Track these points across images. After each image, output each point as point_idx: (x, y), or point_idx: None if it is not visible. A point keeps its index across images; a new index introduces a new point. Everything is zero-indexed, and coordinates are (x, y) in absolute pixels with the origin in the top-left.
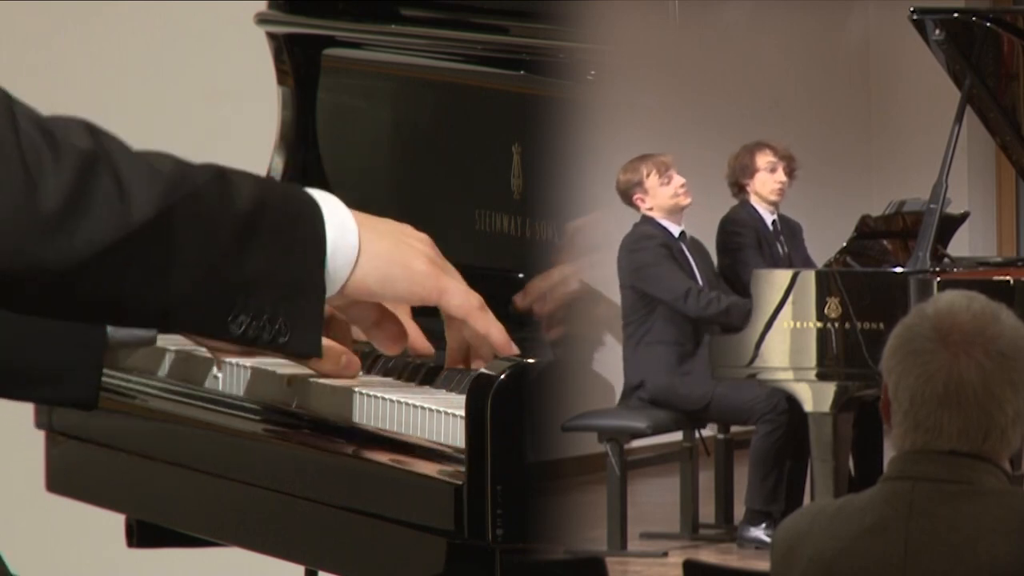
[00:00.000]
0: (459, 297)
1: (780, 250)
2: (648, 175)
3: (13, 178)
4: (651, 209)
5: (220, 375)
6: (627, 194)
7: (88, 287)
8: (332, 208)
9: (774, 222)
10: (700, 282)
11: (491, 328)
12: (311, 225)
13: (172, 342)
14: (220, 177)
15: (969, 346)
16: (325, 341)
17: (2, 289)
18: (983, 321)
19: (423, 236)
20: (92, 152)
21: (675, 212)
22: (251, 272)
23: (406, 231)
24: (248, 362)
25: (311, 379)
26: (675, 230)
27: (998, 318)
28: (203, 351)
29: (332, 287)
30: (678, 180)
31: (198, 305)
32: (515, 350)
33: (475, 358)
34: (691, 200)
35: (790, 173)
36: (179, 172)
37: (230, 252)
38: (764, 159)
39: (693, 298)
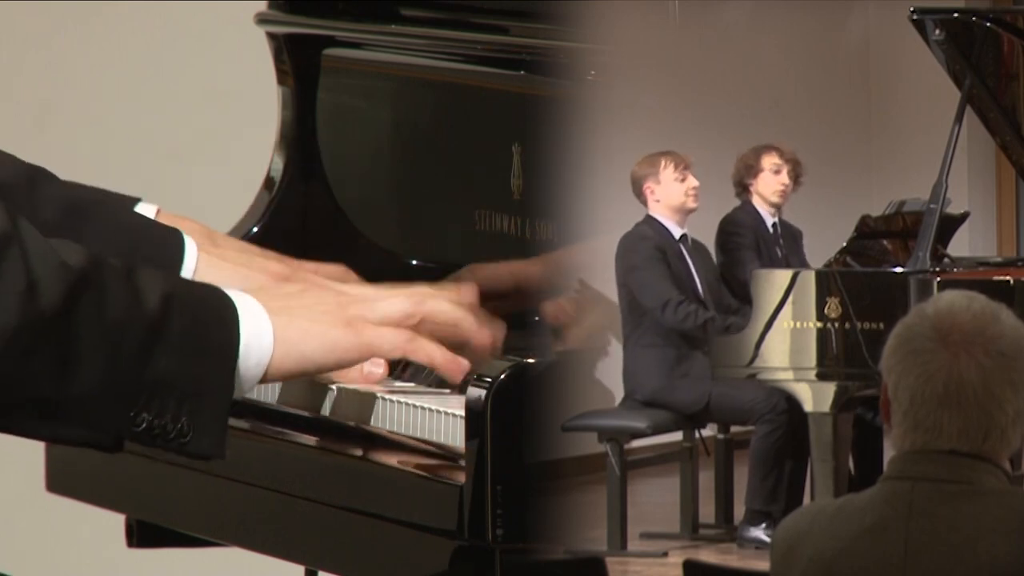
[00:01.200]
0: (387, 343)
1: (779, 252)
2: (665, 167)
3: None
4: (658, 201)
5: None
6: (639, 183)
7: None
8: (247, 309)
9: (774, 225)
10: (698, 286)
11: (433, 355)
12: (224, 329)
13: None
14: (131, 276)
15: (969, 346)
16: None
17: None
18: (983, 321)
19: (339, 295)
20: (4, 233)
21: (680, 212)
22: (156, 373)
23: (319, 299)
24: None
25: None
26: (676, 232)
27: (998, 318)
28: None
29: (245, 385)
30: (692, 181)
31: (99, 402)
32: (462, 366)
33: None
34: (697, 205)
35: (795, 178)
36: (90, 267)
37: (136, 352)
38: (770, 160)
39: (671, 309)
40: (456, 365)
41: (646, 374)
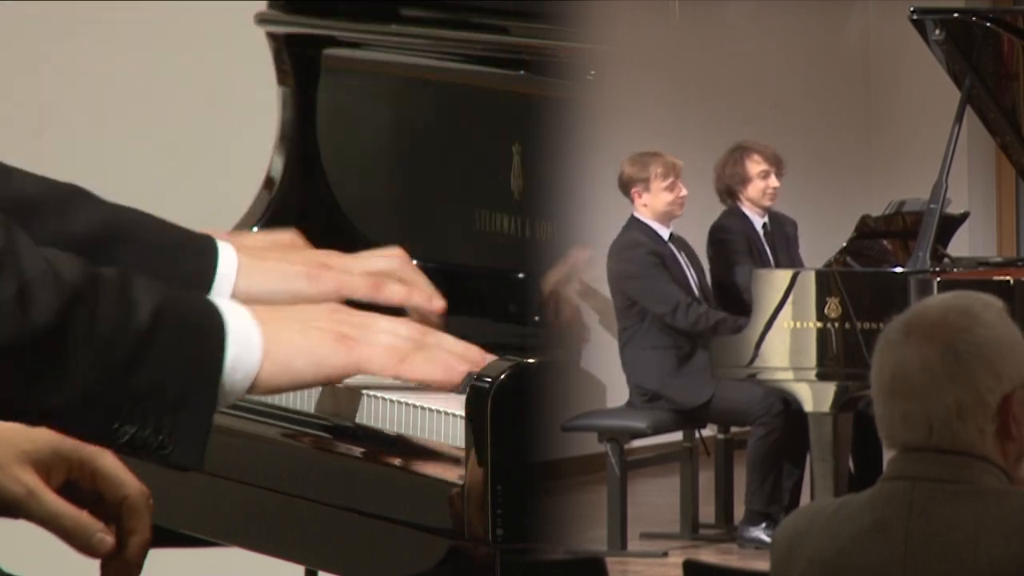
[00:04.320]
0: (377, 361)
1: (769, 254)
2: (655, 176)
3: None
4: (645, 206)
5: None
6: (627, 186)
7: None
8: (237, 321)
9: (764, 225)
10: (693, 285)
11: (424, 376)
12: (210, 341)
13: None
14: (124, 288)
15: (922, 337)
16: None
17: None
18: (952, 315)
19: (338, 312)
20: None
21: (666, 217)
22: (141, 385)
23: (316, 314)
24: None
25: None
26: (664, 233)
27: (975, 317)
28: None
29: (230, 398)
30: (681, 190)
31: (85, 411)
32: (455, 380)
33: None
34: (682, 213)
35: (779, 175)
36: (84, 280)
37: (123, 365)
38: (756, 167)
39: (682, 312)
40: (449, 386)
41: (649, 375)
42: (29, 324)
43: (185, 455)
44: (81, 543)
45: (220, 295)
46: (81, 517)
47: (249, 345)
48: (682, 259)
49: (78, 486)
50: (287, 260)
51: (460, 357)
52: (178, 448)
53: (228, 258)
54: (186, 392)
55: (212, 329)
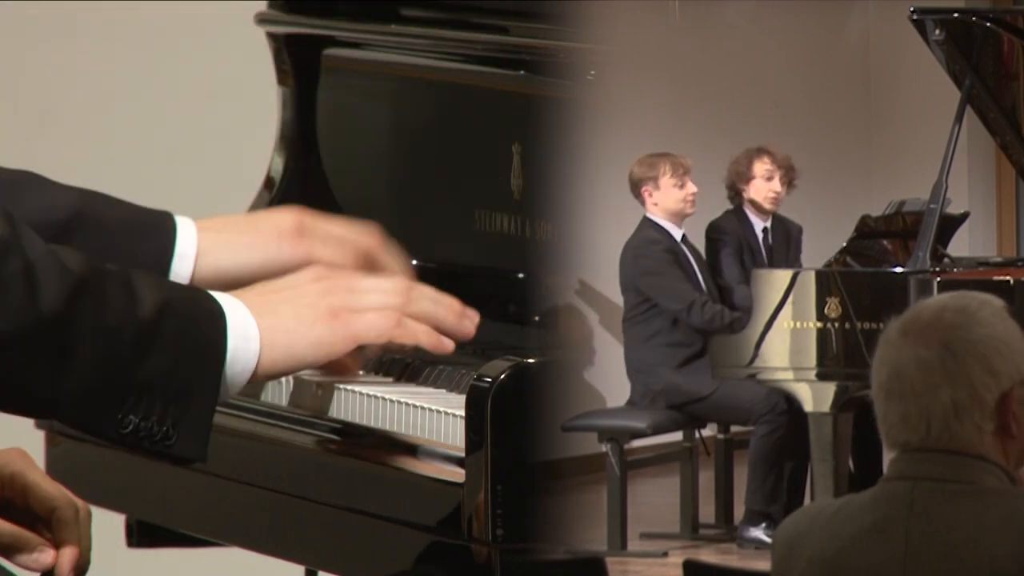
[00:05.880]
0: (373, 331)
1: (765, 259)
2: (663, 173)
3: None
4: (656, 205)
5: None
6: (637, 186)
7: None
8: (234, 313)
9: (765, 229)
10: (703, 286)
11: (417, 335)
12: (213, 333)
13: None
14: (128, 281)
15: (918, 336)
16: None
17: None
18: (949, 314)
19: (322, 280)
20: (4, 240)
21: (677, 216)
22: (147, 374)
23: (304, 291)
24: None
25: (311, 379)
26: (677, 233)
27: (971, 316)
28: None
29: (232, 389)
30: (691, 188)
31: (89, 401)
32: (446, 346)
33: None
34: (694, 211)
35: (788, 183)
36: (89, 271)
37: (128, 355)
38: (762, 167)
39: (697, 310)
40: (442, 343)
41: (657, 369)
42: (36, 310)
43: (188, 446)
44: (23, 557)
45: (179, 274)
46: (22, 532)
47: (247, 337)
48: (693, 260)
49: (11, 507)
50: (254, 229)
51: (445, 307)
52: (181, 439)
53: (187, 236)
54: (190, 381)
55: (214, 322)
